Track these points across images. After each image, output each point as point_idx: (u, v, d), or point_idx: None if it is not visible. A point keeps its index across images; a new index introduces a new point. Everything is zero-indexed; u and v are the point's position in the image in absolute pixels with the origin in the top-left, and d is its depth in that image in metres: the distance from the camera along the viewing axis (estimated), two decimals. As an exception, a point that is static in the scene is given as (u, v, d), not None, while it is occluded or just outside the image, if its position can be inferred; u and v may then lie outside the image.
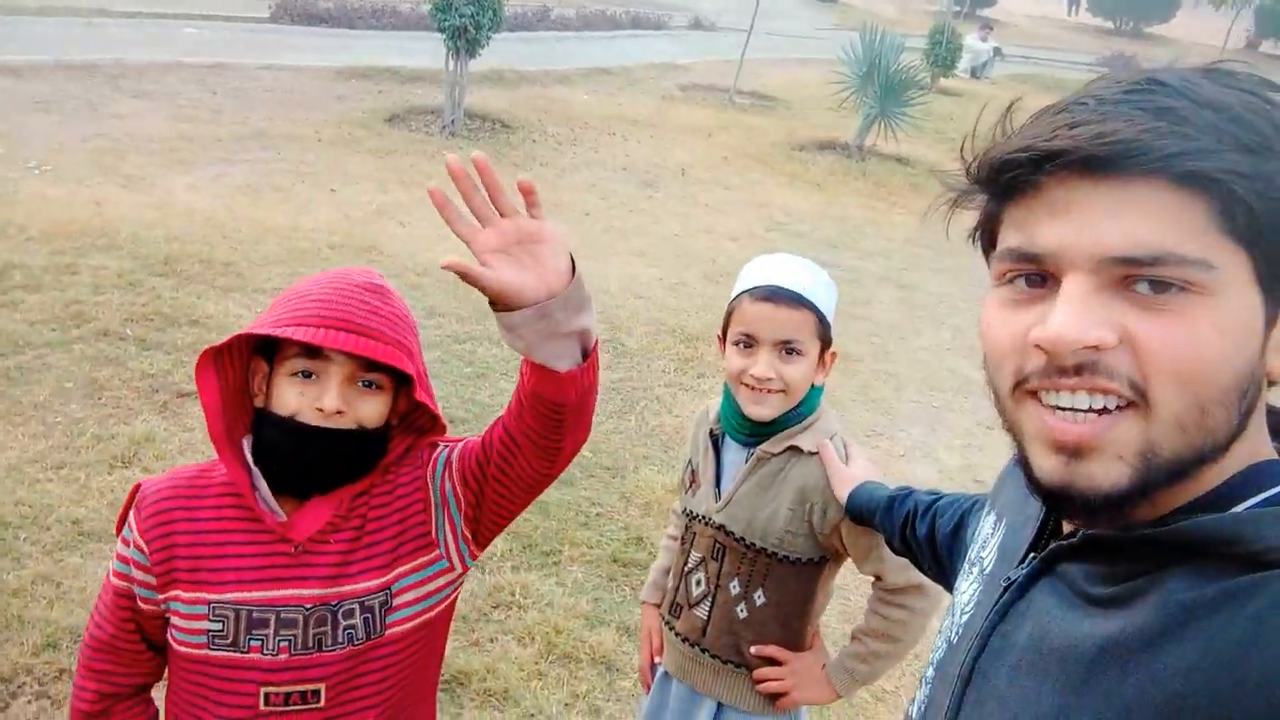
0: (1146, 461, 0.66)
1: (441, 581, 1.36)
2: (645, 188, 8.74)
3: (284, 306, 1.26)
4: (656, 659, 2.03)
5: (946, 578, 1.32)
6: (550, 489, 4.15)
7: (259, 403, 1.31)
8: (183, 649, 1.28)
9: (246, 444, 1.31)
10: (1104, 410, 0.66)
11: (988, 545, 0.92)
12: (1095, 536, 0.71)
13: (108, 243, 5.59)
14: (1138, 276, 0.64)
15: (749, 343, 1.70)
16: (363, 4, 14.76)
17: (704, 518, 1.84)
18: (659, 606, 2.03)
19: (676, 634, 1.91)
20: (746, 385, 1.71)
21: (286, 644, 1.27)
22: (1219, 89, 0.65)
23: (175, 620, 1.29)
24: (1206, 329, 0.64)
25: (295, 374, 1.26)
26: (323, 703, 1.30)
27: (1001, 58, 19.52)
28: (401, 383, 1.32)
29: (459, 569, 1.37)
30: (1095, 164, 0.65)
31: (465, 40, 9.00)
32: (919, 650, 3.05)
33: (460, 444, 1.38)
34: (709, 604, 1.84)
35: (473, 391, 4.59)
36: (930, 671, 0.89)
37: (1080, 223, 0.66)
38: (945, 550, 1.32)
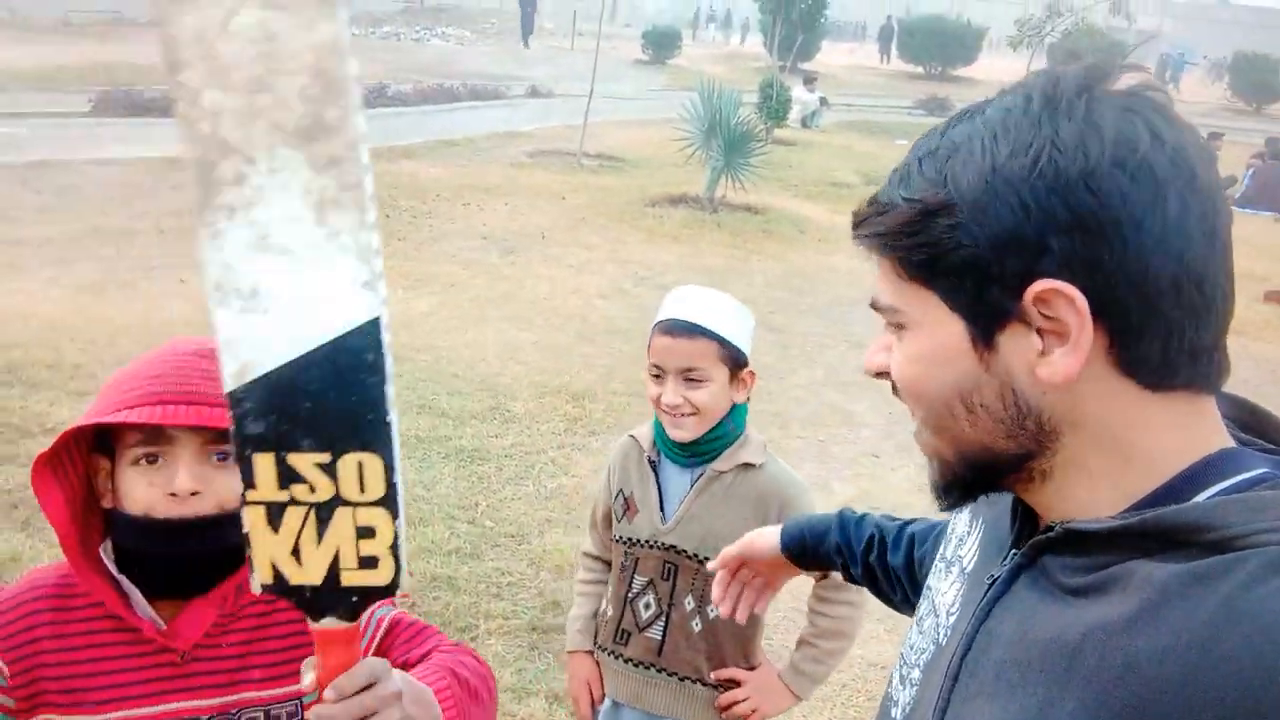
0: (940, 459, 0.82)
1: None
2: (507, 254, 8.74)
3: (114, 392, 1.16)
4: (597, 705, 2.05)
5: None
6: (457, 563, 4.04)
7: (107, 503, 1.21)
8: None
9: (105, 551, 1.21)
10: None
11: (965, 542, 0.94)
12: (1072, 530, 0.73)
13: (-62, 357, 5.18)
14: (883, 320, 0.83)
15: (658, 373, 1.86)
16: (191, 91, 14.29)
17: (648, 541, 1.91)
18: (590, 653, 2.05)
19: (627, 660, 1.95)
20: (664, 411, 1.86)
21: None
22: (987, 112, 0.75)
23: None
24: (909, 355, 0.80)
25: (138, 461, 1.17)
26: None
27: (828, 107, 20.54)
28: None
29: None
30: (853, 234, 0.83)
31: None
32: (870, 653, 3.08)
33: (371, 624, 1.27)
34: (662, 623, 1.91)
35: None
36: (917, 674, 0.90)
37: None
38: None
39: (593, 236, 9.65)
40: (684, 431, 1.85)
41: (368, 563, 0.91)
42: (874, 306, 0.82)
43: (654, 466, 1.94)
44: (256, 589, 0.93)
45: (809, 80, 20.11)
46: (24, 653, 1.16)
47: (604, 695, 2.04)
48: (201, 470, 1.16)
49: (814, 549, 1.35)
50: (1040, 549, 0.77)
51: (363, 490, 0.89)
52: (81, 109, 13.44)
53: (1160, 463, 0.72)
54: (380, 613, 1.29)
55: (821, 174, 14.42)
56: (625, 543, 1.96)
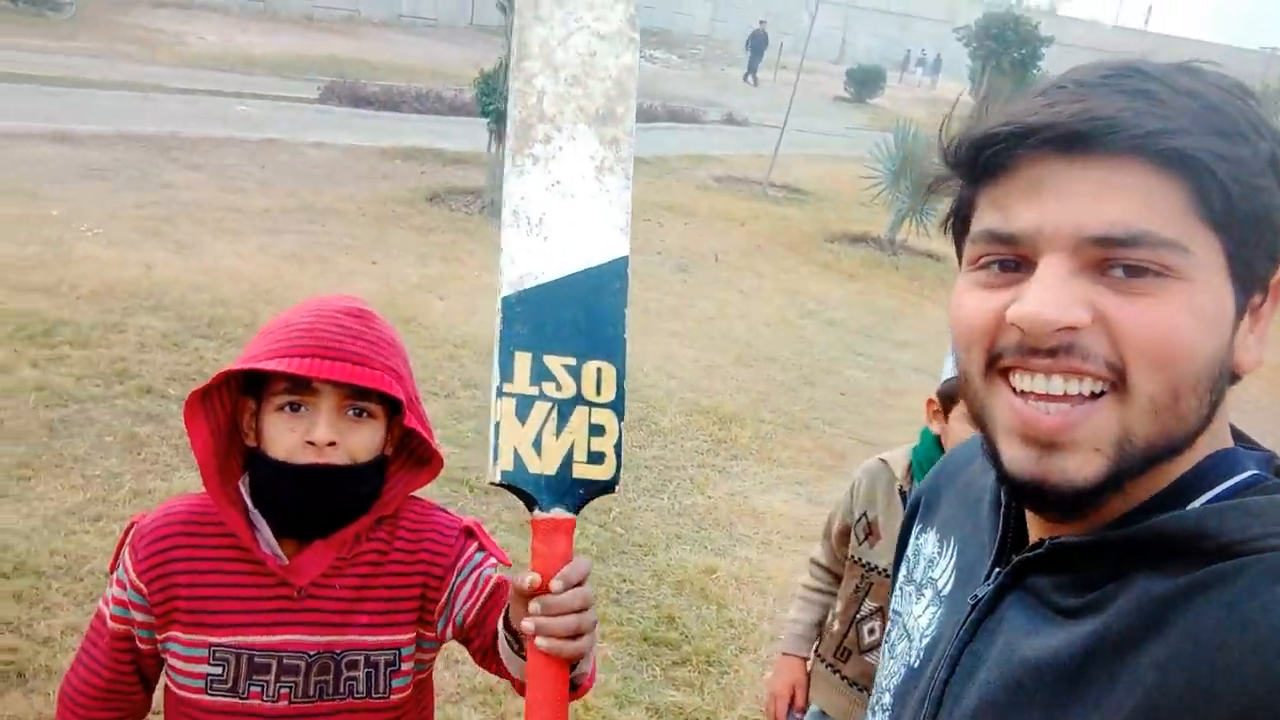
0: (1121, 451, 0.65)
1: (433, 648, 1.37)
2: (680, 272, 8.85)
3: (266, 340, 1.23)
4: (797, 713, 2.10)
5: None
6: (583, 562, 4.10)
7: (250, 442, 1.27)
8: (180, 692, 1.25)
9: (244, 486, 1.28)
10: (1078, 397, 0.65)
11: (937, 565, 0.89)
12: (1061, 544, 0.69)
13: (155, 304, 5.70)
14: (1114, 259, 0.64)
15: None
16: (408, 88, 15.24)
17: (886, 570, 1.90)
18: (804, 660, 2.12)
19: (844, 677, 1.98)
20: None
21: (287, 690, 1.25)
22: (1194, 81, 0.66)
23: (173, 661, 1.25)
24: (1181, 312, 0.64)
25: (283, 408, 1.22)
26: None
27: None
28: (394, 410, 1.28)
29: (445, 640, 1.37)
30: (1074, 141, 0.64)
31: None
32: None
33: (479, 580, 1.32)
34: None
35: (506, 463, 4.58)
36: (887, 699, 0.86)
37: (1058, 203, 0.65)
38: None
39: (766, 265, 9.63)
40: None
41: (595, 458, 1.08)
42: (1109, 239, 0.64)
43: (904, 497, 1.92)
44: (496, 477, 1.05)
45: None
46: (159, 573, 1.25)
47: (806, 704, 2.08)
48: (339, 423, 1.22)
49: None
50: (1026, 567, 0.73)
51: (598, 392, 1.08)
52: (311, 96, 14.52)
53: (1178, 467, 0.69)
54: (488, 572, 1.33)
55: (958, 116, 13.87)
56: (862, 565, 1.97)
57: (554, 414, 1.06)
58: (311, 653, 1.25)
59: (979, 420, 0.72)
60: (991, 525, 0.81)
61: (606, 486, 1.08)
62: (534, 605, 1.02)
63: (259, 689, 1.23)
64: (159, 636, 1.26)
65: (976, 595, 0.76)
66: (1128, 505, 0.68)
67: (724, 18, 38.59)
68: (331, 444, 1.21)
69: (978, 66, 21.21)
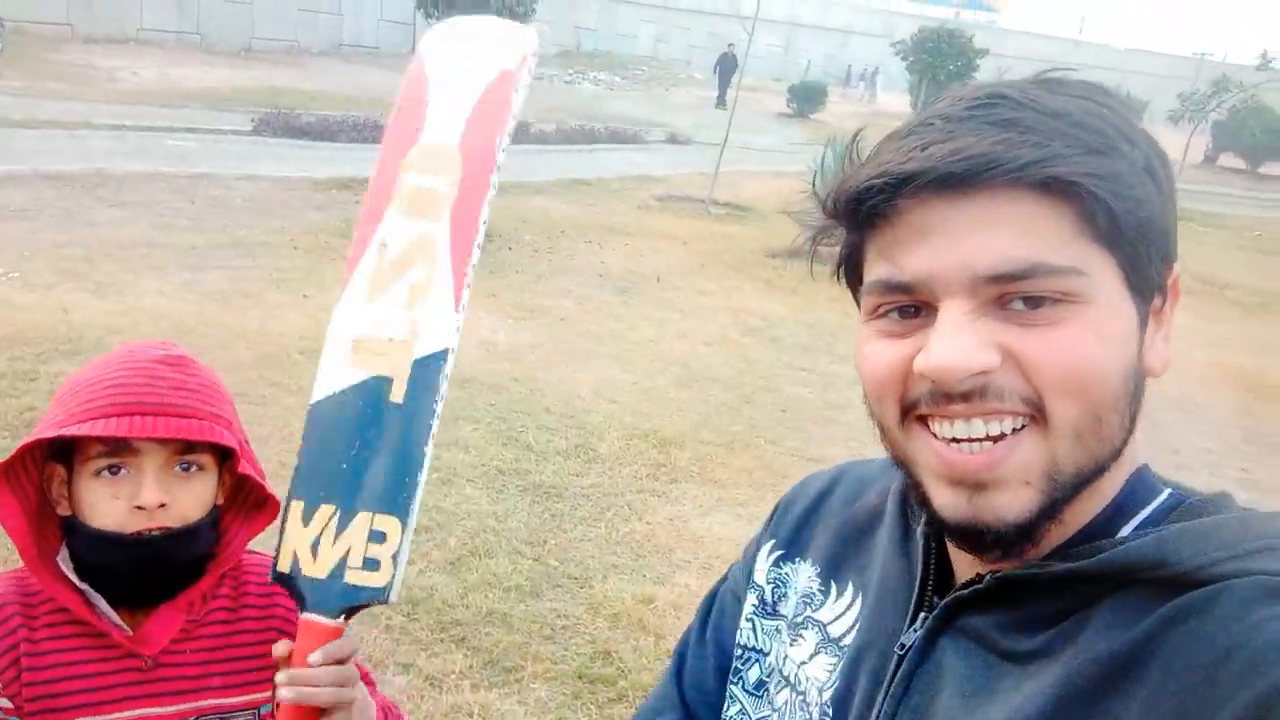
0: (1051, 481, 0.64)
1: None
2: (621, 294, 8.77)
3: (74, 399, 1.13)
4: None
5: None
6: (515, 600, 4.00)
7: (64, 511, 1.18)
8: None
9: (63, 559, 1.18)
10: (1000, 436, 0.64)
11: (818, 604, 0.82)
12: (1008, 578, 0.66)
13: (71, 349, 5.50)
14: (1012, 294, 0.63)
15: None
16: (345, 117, 15.06)
17: None
18: None
19: None
20: None
21: None
22: (1056, 97, 0.65)
23: None
24: (1088, 336, 0.63)
25: (100, 473, 1.13)
26: None
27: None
28: (224, 458, 1.21)
29: None
30: (953, 181, 0.63)
31: (443, 151, 9.15)
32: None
33: None
34: None
35: (439, 499, 4.46)
36: None
37: (946, 244, 0.64)
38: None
39: (709, 283, 9.60)
40: None
41: (370, 564, 1.04)
42: (1005, 274, 0.62)
43: None
44: (271, 576, 1.05)
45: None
46: (10, 658, 1.15)
47: None
48: (167, 481, 1.15)
49: None
50: (960, 607, 0.69)
51: (387, 496, 1.04)
52: (245, 128, 14.28)
53: (1110, 487, 0.69)
54: None
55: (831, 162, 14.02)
56: None
57: (335, 519, 1.05)
58: None
59: (902, 466, 0.71)
60: (903, 566, 0.77)
61: (379, 594, 1.05)
62: (280, 676, 1.03)
63: None
64: None
65: (904, 644, 0.72)
66: (1062, 535, 0.67)
67: (667, 39, 38.83)
68: (162, 505, 1.13)
69: (916, 80, 21.50)
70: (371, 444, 1.05)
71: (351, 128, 14.58)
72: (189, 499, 1.16)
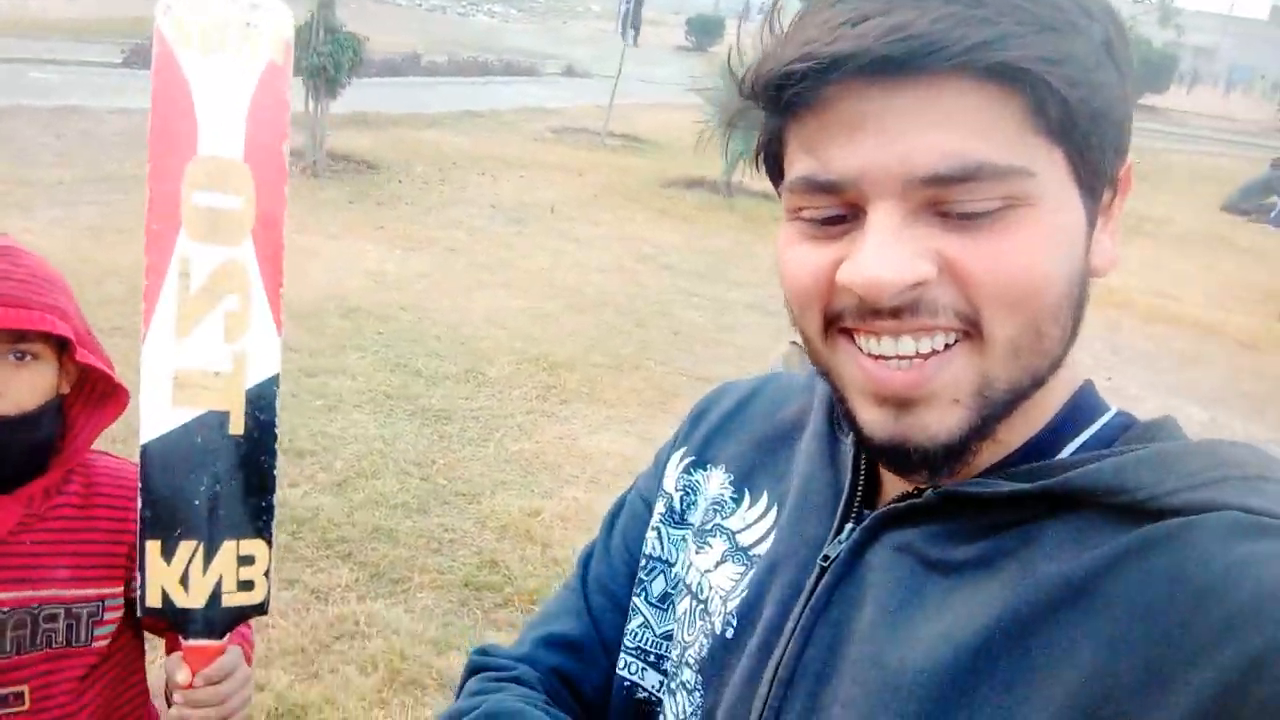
0: (983, 399, 0.59)
1: None
2: (514, 224, 8.72)
3: None
4: None
5: None
6: (401, 517, 4.03)
7: None
8: None
9: None
10: (930, 354, 0.58)
11: (728, 511, 0.78)
12: (953, 494, 0.61)
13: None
14: (953, 198, 0.56)
15: None
16: (224, 49, 14.44)
17: None
18: None
19: None
20: None
21: None
22: None
23: None
24: (1034, 243, 0.56)
25: None
26: (28, 704, 1.22)
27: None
28: (63, 349, 1.22)
29: None
30: (888, 67, 0.54)
31: (325, 80, 8.86)
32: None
33: None
34: None
35: (323, 424, 4.44)
36: (689, 675, 0.74)
37: (879, 140, 0.56)
38: None
39: (603, 214, 9.60)
40: None
41: (245, 586, 1.09)
42: (942, 176, 0.55)
43: None
44: (141, 612, 1.07)
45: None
46: None
47: None
48: (1, 371, 1.15)
49: None
50: (892, 520, 0.64)
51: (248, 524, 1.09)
52: (115, 60, 13.57)
53: (1050, 401, 0.64)
54: None
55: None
56: None
57: (200, 551, 1.07)
58: (5, 609, 1.19)
59: (827, 379, 0.65)
60: (829, 477, 0.72)
61: (259, 608, 1.12)
62: (176, 696, 1.13)
63: None
64: None
65: (828, 555, 0.67)
66: (998, 453, 0.63)
67: (561, -30, 38.02)
68: None
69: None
70: (220, 477, 1.06)
71: (231, 59, 13.98)
72: (23, 387, 1.17)
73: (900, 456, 0.61)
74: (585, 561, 0.89)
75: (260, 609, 1.12)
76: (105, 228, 6.88)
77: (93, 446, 1.31)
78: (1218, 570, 0.51)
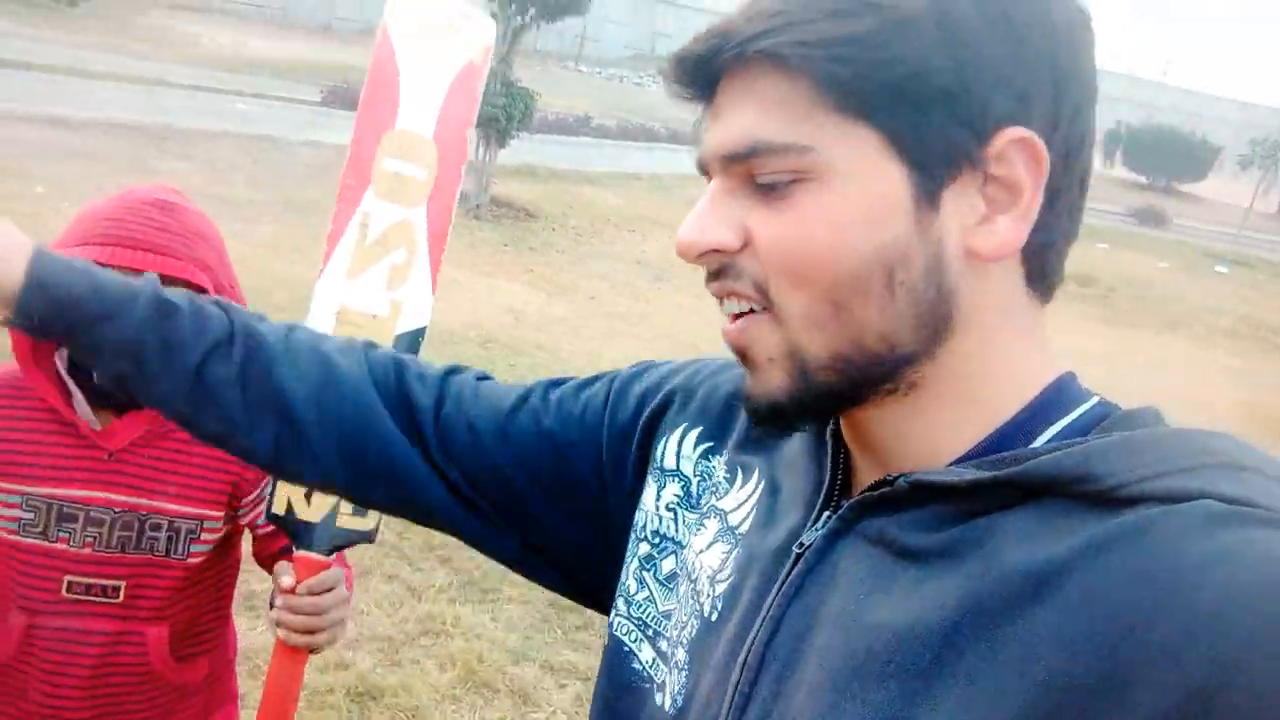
0: (798, 363, 0.61)
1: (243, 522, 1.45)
2: (655, 280, 8.95)
3: (76, 228, 1.28)
4: None
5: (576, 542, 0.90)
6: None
7: None
8: None
9: (60, 359, 1.35)
10: (743, 314, 0.62)
11: (724, 494, 0.78)
12: (924, 482, 0.61)
13: (120, 276, 5.81)
14: (755, 174, 0.60)
15: None
16: (411, 96, 15.45)
17: None
18: None
19: None
20: None
21: (91, 540, 1.32)
22: None
23: None
24: (816, 214, 0.59)
25: None
26: (121, 598, 1.35)
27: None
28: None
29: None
30: (704, 64, 0.61)
31: (495, 130, 9.40)
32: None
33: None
34: None
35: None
36: (681, 655, 0.74)
37: (714, 126, 0.63)
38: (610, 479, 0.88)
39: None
40: None
41: (359, 511, 1.22)
42: (733, 155, 0.60)
43: None
44: (264, 516, 1.24)
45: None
46: None
47: None
48: None
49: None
50: (865, 508, 0.64)
51: None
52: (314, 99, 14.73)
53: (1016, 390, 0.64)
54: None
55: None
56: None
57: None
58: (116, 509, 1.33)
59: None
60: (812, 466, 0.72)
61: (366, 536, 1.26)
62: (279, 600, 1.24)
63: (66, 535, 1.32)
64: None
65: (803, 542, 0.67)
66: (964, 441, 0.63)
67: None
68: None
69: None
70: None
71: (416, 106, 14.94)
72: None
73: (750, 410, 0.65)
74: (553, 384, 0.90)
75: (368, 536, 1.25)
76: (281, 244, 7.47)
77: None
78: (1186, 567, 0.49)
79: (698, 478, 0.81)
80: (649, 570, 0.80)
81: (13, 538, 1.32)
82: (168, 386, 0.86)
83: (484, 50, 1.24)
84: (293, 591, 1.23)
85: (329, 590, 1.25)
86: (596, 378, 0.92)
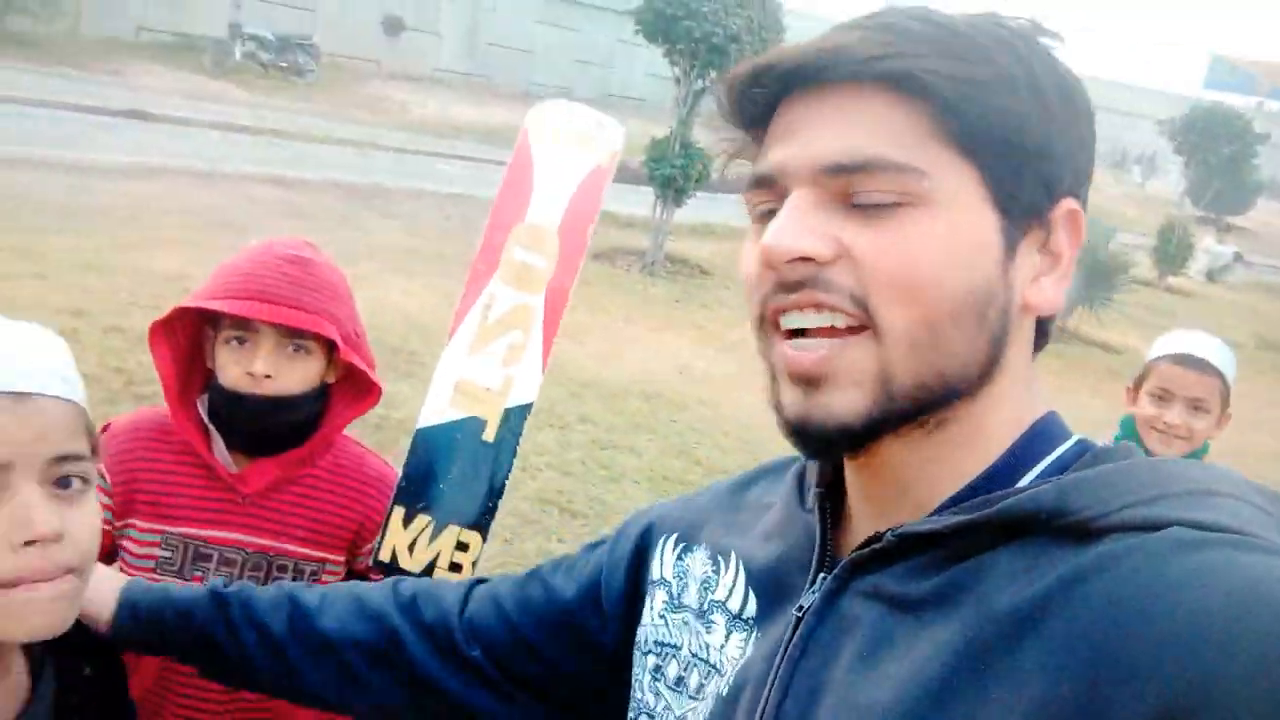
0: (884, 387, 0.62)
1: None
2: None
3: (217, 280, 1.35)
4: None
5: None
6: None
7: (210, 364, 1.40)
8: (132, 572, 1.38)
9: (201, 404, 1.42)
10: (833, 330, 0.63)
11: (715, 585, 0.80)
12: (908, 534, 0.63)
13: (320, 324, 6.30)
14: (854, 190, 0.62)
15: (1164, 396, 2.15)
16: (597, 157, 16.07)
17: None
18: None
19: None
20: (1157, 430, 2.14)
21: (224, 579, 1.39)
22: (953, 17, 0.64)
23: (128, 545, 1.41)
24: (923, 239, 0.61)
25: (230, 341, 1.36)
26: None
27: (1241, 262, 18.51)
28: (334, 347, 1.39)
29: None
30: (808, 75, 0.64)
31: (673, 189, 9.64)
32: None
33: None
34: None
35: (601, 492, 4.78)
36: None
37: (801, 139, 0.64)
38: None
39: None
40: (1172, 451, 2.12)
41: (454, 568, 1.33)
42: (838, 167, 0.62)
43: None
44: (371, 562, 1.34)
45: (1223, 232, 18.31)
46: (123, 467, 1.40)
47: None
48: (277, 358, 1.35)
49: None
50: (858, 566, 0.66)
51: (472, 516, 1.33)
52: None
53: (1008, 433, 0.67)
54: None
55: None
56: None
57: (430, 527, 1.33)
58: (248, 550, 1.41)
59: (768, 373, 0.70)
60: (801, 534, 0.75)
61: None
62: None
63: (200, 574, 1.39)
64: (117, 523, 1.41)
65: (802, 606, 0.69)
66: (953, 485, 0.66)
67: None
68: (268, 377, 1.35)
69: (1185, 162, 20.18)
70: (465, 472, 1.33)
71: (602, 167, 15.52)
72: (294, 375, 1.36)
73: (806, 435, 0.65)
74: (554, 566, 1.00)
75: None
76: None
77: (346, 432, 1.50)
78: (1157, 591, 0.51)
79: (676, 579, 0.85)
80: (659, 680, 0.82)
81: (149, 576, 1.35)
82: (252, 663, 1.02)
83: (611, 155, 1.36)
84: None
85: None
86: (603, 539, 0.99)
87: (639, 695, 0.84)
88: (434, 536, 1.33)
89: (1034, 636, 0.55)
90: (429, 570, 1.32)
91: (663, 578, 0.87)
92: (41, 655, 0.91)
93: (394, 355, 6.04)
